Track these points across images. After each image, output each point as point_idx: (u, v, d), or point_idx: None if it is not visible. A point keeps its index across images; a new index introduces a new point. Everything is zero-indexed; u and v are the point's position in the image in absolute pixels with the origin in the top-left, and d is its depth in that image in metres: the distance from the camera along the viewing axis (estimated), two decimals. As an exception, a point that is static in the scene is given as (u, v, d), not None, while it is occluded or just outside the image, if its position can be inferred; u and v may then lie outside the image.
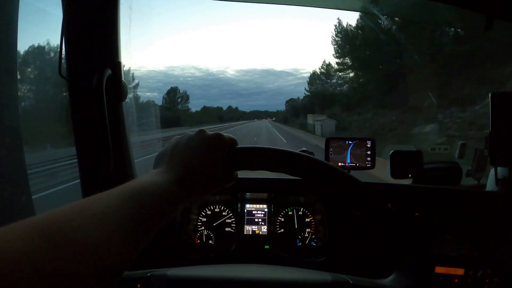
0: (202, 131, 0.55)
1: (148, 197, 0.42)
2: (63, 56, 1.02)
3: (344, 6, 1.42)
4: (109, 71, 1.02)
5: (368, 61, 31.56)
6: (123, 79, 1.10)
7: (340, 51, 38.26)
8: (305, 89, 60.53)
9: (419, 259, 0.55)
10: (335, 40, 37.81)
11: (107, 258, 0.33)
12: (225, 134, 0.56)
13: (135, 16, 1.27)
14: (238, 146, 0.57)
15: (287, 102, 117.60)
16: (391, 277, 0.58)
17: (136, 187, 0.43)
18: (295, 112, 72.16)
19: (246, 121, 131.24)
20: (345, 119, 32.30)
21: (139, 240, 0.39)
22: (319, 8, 1.48)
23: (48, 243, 0.28)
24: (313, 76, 54.33)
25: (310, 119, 41.91)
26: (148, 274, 0.58)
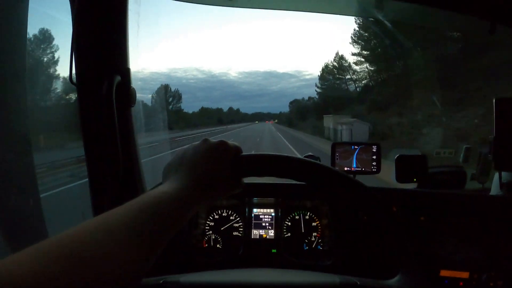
0: (206, 140, 0.56)
1: (160, 207, 0.44)
2: (73, 64, 1.03)
3: (348, 12, 1.43)
4: (118, 78, 1.03)
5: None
6: (132, 85, 1.11)
7: (364, 36, 34.39)
8: (316, 85, 53.65)
9: (423, 260, 0.55)
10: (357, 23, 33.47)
11: (124, 271, 0.35)
12: (229, 142, 0.57)
13: (142, 22, 1.28)
14: (243, 154, 0.58)
15: (291, 103, 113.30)
16: (396, 278, 0.59)
17: (147, 199, 0.44)
18: (301, 114, 67.71)
19: (246, 124, 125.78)
20: (378, 121, 24.65)
21: (154, 248, 0.41)
22: (322, 13, 1.50)
23: (64, 264, 0.30)
24: (326, 70, 48.57)
25: (328, 121, 33.28)
26: (161, 281, 0.59)
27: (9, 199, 1.12)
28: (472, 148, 1.75)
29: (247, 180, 0.62)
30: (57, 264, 0.29)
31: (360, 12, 1.41)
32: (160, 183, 0.54)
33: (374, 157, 1.34)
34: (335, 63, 46.53)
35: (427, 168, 1.40)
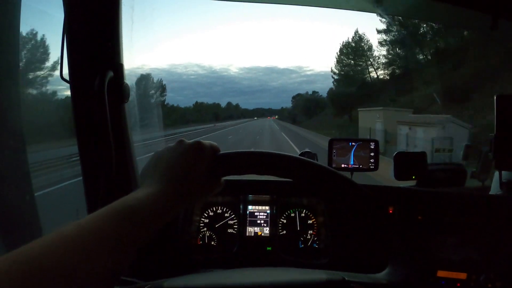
0: (181, 142, 0.55)
1: (134, 214, 0.42)
2: (65, 58, 1.02)
3: (347, 6, 1.41)
4: (111, 73, 1.02)
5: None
6: (125, 80, 1.10)
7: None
8: (331, 71, 42.73)
9: (414, 255, 0.54)
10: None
11: (94, 281, 0.35)
12: (205, 141, 0.56)
13: (137, 17, 1.26)
14: (221, 152, 0.57)
15: (293, 98, 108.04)
16: (385, 271, 0.58)
17: (121, 206, 0.43)
18: (307, 109, 62.44)
19: (244, 120, 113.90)
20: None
21: (127, 256, 0.40)
22: (322, 8, 1.47)
23: (27, 276, 0.29)
24: (344, 52, 39.22)
25: (368, 117, 21.44)
26: (146, 287, 0.58)
27: (3, 196, 1.12)
28: (472, 146, 1.74)
29: (242, 177, 0.61)
30: (15, 283, 0.28)
31: (359, 7, 1.38)
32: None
33: (372, 154, 1.32)
34: (353, 44, 38.70)
35: (427, 165, 1.39)
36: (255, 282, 0.60)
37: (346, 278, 0.58)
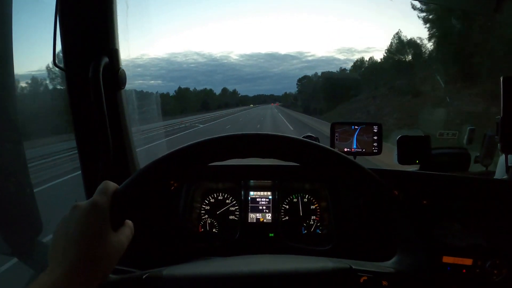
0: (75, 208, 0.49)
1: None
2: (58, 45, 0.99)
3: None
4: (106, 59, 0.99)
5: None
6: (121, 66, 1.07)
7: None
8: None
9: (423, 243, 0.53)
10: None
11: None
12: (100, 195, 0.50)
13: (132, 2, 1.22)
14: (118, 189, 0.53)
15: (299, 81, 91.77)
16: (393, 259, 0.57)
17: None
18: (329, 92, 43.36)
19: (235, 110, 78.84)
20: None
21: None
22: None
23: None
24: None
25: None
26: (144, 277, 0.56)
27: (3, 193, 1.10)
28: (476, 130, 1.71)
29: (243, 161, 0.58)
30: None
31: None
32: None
33: (375, 137, 1.30)
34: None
35: (430, 150, 1.37)
36: (259, 270, 0.59)
37: (353, 267, 0.56)
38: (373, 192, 0.54)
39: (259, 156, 0.56)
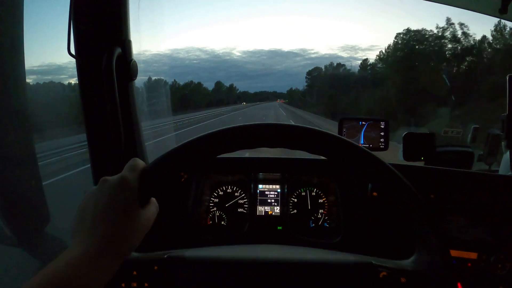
0: (104, 181, 0.49)
1: (65, 280, 0.40)
2: (71, 34, 0.99)
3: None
4: (119, 50, 1.00)
5: None
6: (133, 57, 1.08)
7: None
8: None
9: (442, 241, 0.54)
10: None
11: None
12: (132, 172, 0.51)
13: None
14: (148, 166, 0.54)
15: (309, 74, 75.31)
16: (412, 258, 0.58)
17: (52, 273, 0.40)
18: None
19: (221, 111, 52.03)
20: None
21: None
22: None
23: None
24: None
25: None
26: (165, 256, 0.57)
27: (11, 179, 1.11)
28: (480, 128, 1.72)
29: (252, 154, 0.59)
30: None
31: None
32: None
33: (382, 133, 1.31)
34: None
35: (435, 147, 1.38)
36: (281, 257, 0.60)
37: (374, 262, 0.58)
38: (404, 200, 0.56)
39: (288, 147, 0.57)
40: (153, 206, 0.54)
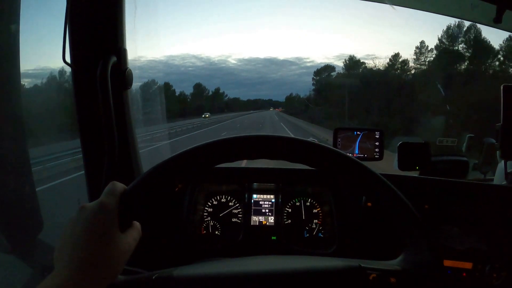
0: (82, 209, 0.49)
1: None
2: (67, 42, 0.99)
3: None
4: (114, 58, 1.00)
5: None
6: (128, 66, 1.08)
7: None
8: None
9: (428, 239, 0.54)
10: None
11: None
12: (108, 196, 0.50)
13: (140, 3, 1.24)
14: (127, 189, 0.53)
15: (318, 74, 57.13)
16: (400, 257, 0.58)
17: None
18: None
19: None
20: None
21: None
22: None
23: None
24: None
25: None
26: (154, 277, 0.56)
27: (5, 186, 1.10)
28: (474, 138, 1.74)
29: (247, 164, 0.59)
30: None
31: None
32: None
33: (377, 143, 1.32)
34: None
35: (430, 156, 1.38)
36: (269, 269, 0.59)
37: (362, 265, 0.57)
38: (391, 204, 0.57)
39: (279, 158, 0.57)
40: (135, 230, 0.53)
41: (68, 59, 1.00)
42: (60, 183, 4.88)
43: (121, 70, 1.05)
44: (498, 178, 1.42)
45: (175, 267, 0.59)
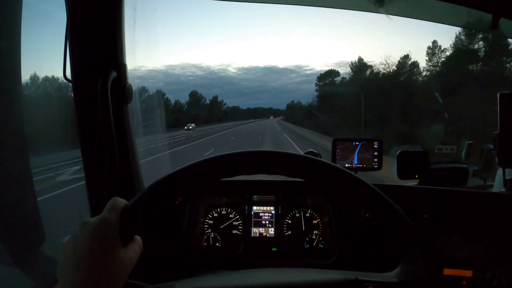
0: (85, 225, 0.49)
1: None
2: (67, 58, 1.01)
3: (348, 7, 1.41)
4: (114, 73, 1.01)
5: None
6: (128, 81, 1.09)
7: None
8: None
9: (425, 250, 0.55)
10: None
11: None
12: (110, 211, 0.51)
13: (139, 16, 1.25)
14: (129, 204, 0.54)
15: (321, 79, 51.34)
16: (396, 269, 0.58)
17: None
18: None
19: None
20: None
21: None
22: (322, 7, 1.48)
23: None
24: None
25: None
26: None
27: (6, 197, 1.11)
28: (473, 144, 1.74)
29: (246, 177, 0.60)
30: None
31: (360, 7, 1.38)
32: None
33: (376, 153, 1.33)
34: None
35: (429, 165, 1.39)
36: (268, 282, 0.60)
37: (359, 278, 0.58)
38: (389, 220, 0.57)
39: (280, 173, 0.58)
40: (136, 244, 0.54)
41: (68, 74, 1.01)
42: (63, 193, 4.89)
43: (121, 85, 1.06)
44: (498, 185, 1.42)
45: (176, 280, 0.60)
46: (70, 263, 0.47)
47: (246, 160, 0.58)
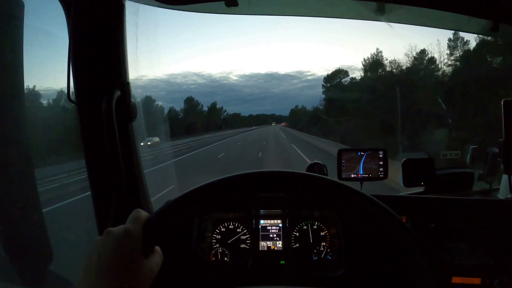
0: (108, 233, 0.50)
1: None
2: (71, 80, 1.01)
3: (348, 16, 1.42)
4: (118, 92, 1.01)
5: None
6: (132, 99, 1.09)
7: None
8: None
9: (435, 269, 0.55)
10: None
11: None
12: (133, 222, 0.52)
13: (141, 33, 1.26)
14: (150, 216, 0.55)
15: (328, 81, 41.20)
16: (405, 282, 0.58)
17: None
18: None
19: None
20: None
21: None
22: (322, 18, 1.48)
23: None
24: None
25: None
26: None
27: (14, 223, 1.11)
28: (478, 149, 1.74)
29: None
30: None
31: (361, 16, 1.39)
32: None
33: (381, 163, 1.33)
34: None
35: (434, 171, 1.39)
36: None
37: None
38: (395, 234, 0.57)
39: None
40: (157, 255, 0.55)
41: (72, 96, 1.02)
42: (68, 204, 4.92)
43: (125, 104, 1.07)
44: (504, 191, 1.42)
45: None
46: (93, 273, 0.48)
47: (259, 179, 0.61)
